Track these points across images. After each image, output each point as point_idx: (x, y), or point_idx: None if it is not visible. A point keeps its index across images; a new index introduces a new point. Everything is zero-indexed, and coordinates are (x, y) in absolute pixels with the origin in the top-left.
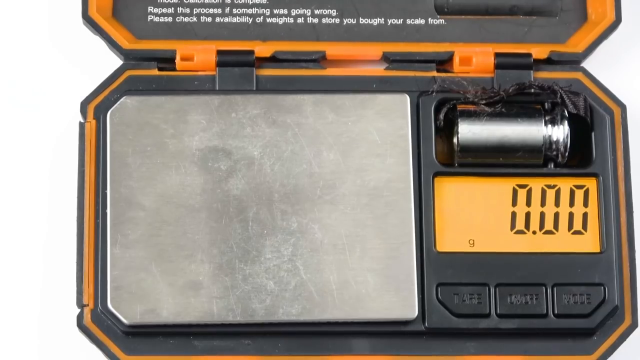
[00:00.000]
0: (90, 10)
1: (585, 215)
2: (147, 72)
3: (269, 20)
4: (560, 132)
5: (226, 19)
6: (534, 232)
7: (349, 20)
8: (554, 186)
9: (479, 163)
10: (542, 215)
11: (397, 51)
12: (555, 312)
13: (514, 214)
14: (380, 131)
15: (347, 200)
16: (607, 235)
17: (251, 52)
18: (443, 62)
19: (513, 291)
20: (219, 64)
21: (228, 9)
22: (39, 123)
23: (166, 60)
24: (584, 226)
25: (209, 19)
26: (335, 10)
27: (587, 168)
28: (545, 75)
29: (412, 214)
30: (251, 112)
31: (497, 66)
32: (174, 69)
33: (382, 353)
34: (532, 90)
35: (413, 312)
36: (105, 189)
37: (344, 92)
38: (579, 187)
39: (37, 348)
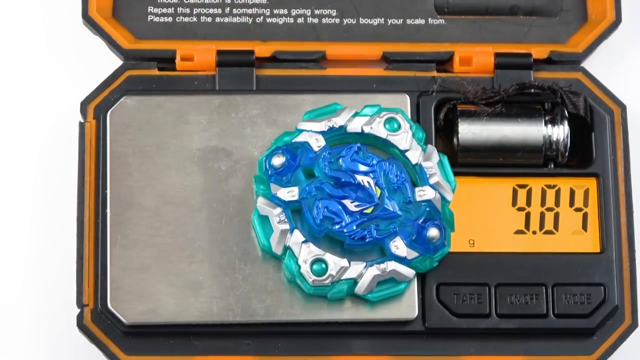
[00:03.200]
0: (90, 10)
1: (585, 215)
2: (147, 72)
3: (269, 20)
4: (560, 132)
5: (226, 19)
6: (534, 232)
7: (349, 20)
8: (554, 186)
9: (479, 163)
10: (542, 215)
11: (397, 51)
12: (555, 312)
13: (514, 214)
14: None
15: None
16: (607, 235)
17: (251, 52)
18: (443, 62)
19: (513, 291)
20: (219, 64)
21: (228, 9)
22: (39, 123)
23: (166, 60)
24: (584, 226)
25: (209, 19)
26: (335, 10)
27: (587, 168)
28: (545, 75)
29: None
30: (251, 112)
31: (497, 66)
32: (174, 69)
33: (382, 353)
34: (532, 90)
35: (413, 312)
36: (105, 189)
37: (344, 92)
38: (579, 187)
39: (37, 348)
